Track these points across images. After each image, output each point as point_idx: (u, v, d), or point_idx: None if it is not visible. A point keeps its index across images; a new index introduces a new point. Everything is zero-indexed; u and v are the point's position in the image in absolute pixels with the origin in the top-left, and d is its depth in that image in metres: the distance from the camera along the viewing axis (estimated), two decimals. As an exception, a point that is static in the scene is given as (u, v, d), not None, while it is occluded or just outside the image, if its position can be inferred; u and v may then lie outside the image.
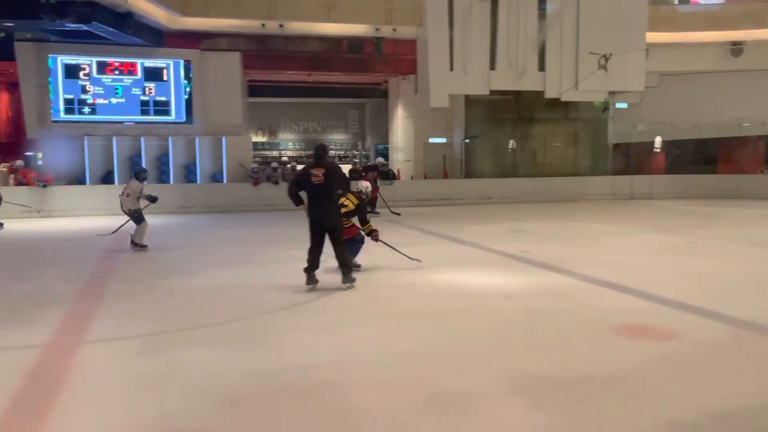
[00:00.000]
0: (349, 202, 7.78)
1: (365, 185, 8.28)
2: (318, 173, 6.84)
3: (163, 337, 5.28)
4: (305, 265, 6.91)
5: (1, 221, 13.40)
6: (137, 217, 10.27)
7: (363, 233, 7.99)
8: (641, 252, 9.57)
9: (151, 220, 13.60)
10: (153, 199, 10.68)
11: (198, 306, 6.43)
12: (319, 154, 7.07)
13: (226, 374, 4.31)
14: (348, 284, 6.94)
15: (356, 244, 7.96)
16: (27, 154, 18.79)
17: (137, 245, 10.17)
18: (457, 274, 7.87)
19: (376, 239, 7.99)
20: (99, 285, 7.59)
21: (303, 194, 7.06)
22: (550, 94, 19.37)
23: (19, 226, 13.78)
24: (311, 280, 6.89)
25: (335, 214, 7.01)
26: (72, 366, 4.57)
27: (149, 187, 11.23)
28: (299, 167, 14.19)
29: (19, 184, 15.94)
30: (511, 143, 20.63)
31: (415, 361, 4.58)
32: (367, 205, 8.18)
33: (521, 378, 4.19)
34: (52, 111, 18.09)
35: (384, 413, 3.67)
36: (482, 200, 16.19)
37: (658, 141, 21.40)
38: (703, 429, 3.41)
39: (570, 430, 3.42)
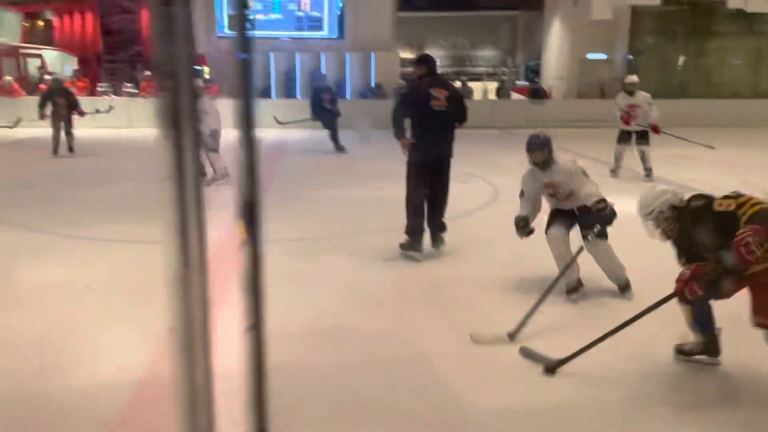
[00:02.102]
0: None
1: None
2: (440, 96, 4.90)
3: (312, 243, 5.62)
4: (406, 229, 5.03)
5: None
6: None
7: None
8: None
9: (307, 133, 14.03)
10: None
11: (345, 216, 6.74)
12: (433, 68, 5.09)
13: (369, 281, 4.55)
14: (438, 248, 5.24)
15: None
16: (195, 68, 20.19)
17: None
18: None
19: None
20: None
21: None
22: (733, 4, 17.04)
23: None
24: (416, 247, 4.99)
25: (450, 153, 5.12)
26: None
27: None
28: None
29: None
30: (681, 60, 18.66)
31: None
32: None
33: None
34: (217, 27, 19.18)
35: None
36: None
37: None
38: None
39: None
